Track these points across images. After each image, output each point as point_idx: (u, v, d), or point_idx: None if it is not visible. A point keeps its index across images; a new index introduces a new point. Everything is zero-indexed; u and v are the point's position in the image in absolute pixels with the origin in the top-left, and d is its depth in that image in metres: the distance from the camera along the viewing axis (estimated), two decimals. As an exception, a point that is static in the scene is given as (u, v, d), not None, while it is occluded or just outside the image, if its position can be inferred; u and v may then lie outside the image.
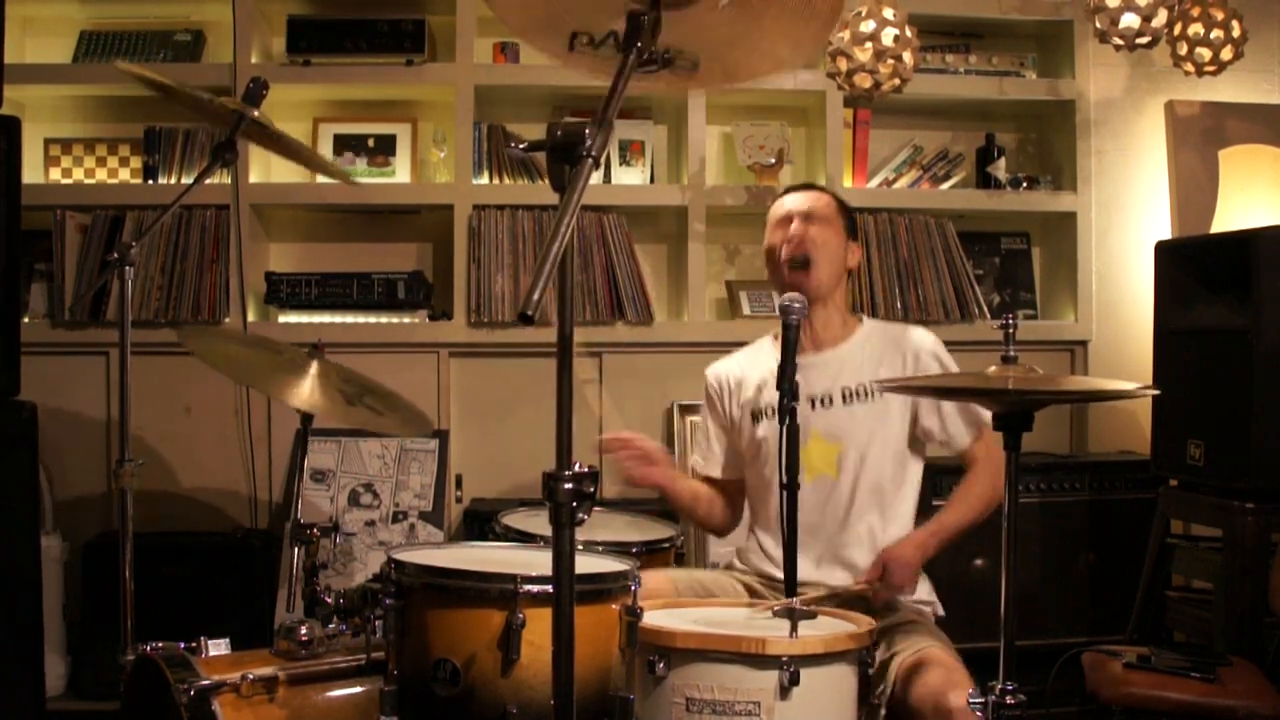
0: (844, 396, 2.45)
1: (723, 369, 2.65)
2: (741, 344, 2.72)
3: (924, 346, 2.50)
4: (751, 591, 2.46)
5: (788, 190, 2.66)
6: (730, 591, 2.45)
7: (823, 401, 2.45)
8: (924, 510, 2.52)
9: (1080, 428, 3.96)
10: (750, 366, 2.60)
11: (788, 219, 2.53)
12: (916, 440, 2.49)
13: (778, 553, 2.40)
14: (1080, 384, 2.54)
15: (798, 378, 2.41)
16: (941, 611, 2.46)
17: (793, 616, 1.90)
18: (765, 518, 2.51)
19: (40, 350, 3.38)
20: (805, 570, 2.27)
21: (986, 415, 2.38)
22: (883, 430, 2.44)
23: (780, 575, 2.16)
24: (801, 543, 2.19)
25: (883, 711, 2.07)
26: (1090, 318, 3.92)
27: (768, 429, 2.45)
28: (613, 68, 1.42)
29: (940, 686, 2.05)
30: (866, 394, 2.44)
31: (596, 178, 2.91)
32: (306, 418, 2.53)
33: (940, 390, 2.29)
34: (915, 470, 2.50)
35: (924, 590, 2.46)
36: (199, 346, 2.67)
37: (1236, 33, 3.48)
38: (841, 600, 2.27)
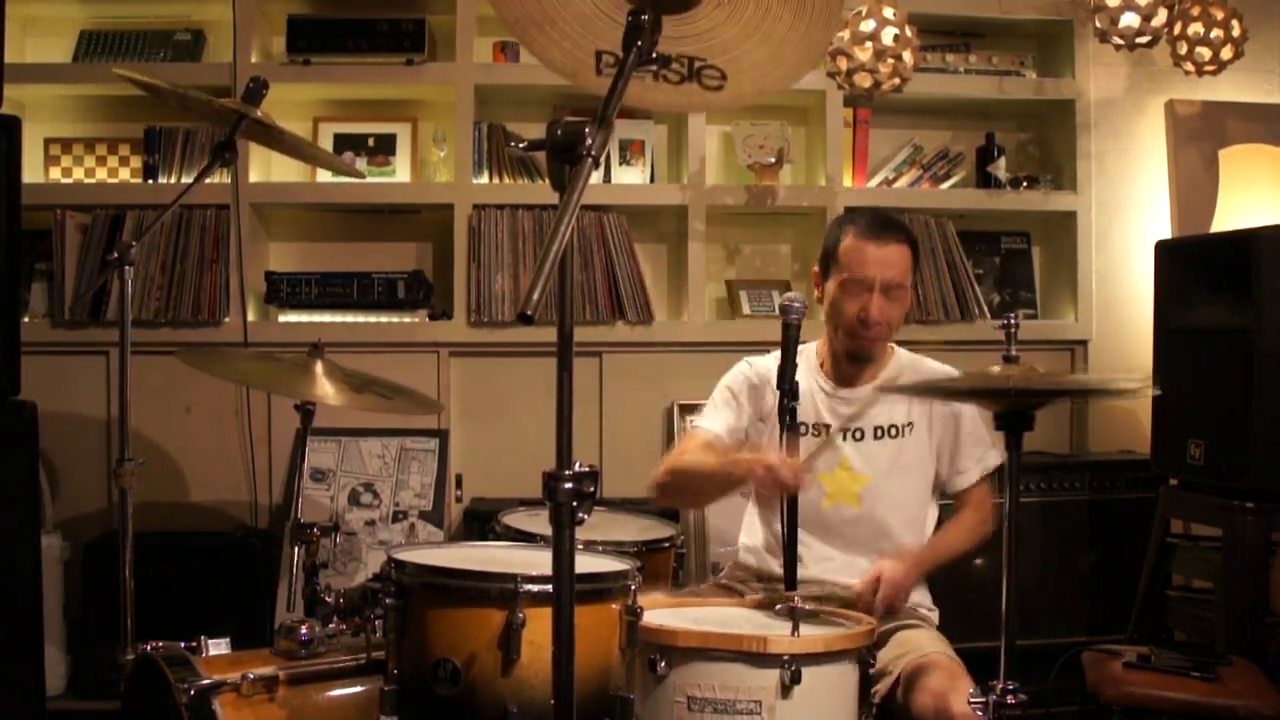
0: (875, 433, 2.43)
1: (763, 366, 2.51)
2: (742, 344, 2.72)
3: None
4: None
5: (868, 230, 2.37)
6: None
7: (855, 435, 2.42)
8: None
9: (1080, 427, 3.96)
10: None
11: (870, 287, 2.34)
12: (939, 480, 2.48)
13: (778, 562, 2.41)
14: (1083, 383, 2.54)
15: (837, 409, 2.43)
16: (937, 620, 2.46)
17: (794, 615, 1.90)
18: (772, 529, 2.48)
19: (40, 350, 3.38)
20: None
21: (994, 461, 2.45)
22: (908, 468, 2.43)
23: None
24: (816, 559, 2.22)
25: (874, 711, 2.07)
26: (1090, 317, 3.92)
27: (805, 445, 2.33)
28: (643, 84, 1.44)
29: (943, 691, 2.05)
30: (898, 432, 2.42)
31: (596, 177, 2.93)
32: (307, 416, 2.53)
33: (943, 391, 2.29)
34: (932, 512, 2.49)
35: (925, 598, 2.46)
36: (199, 364, 2.67)
37: (1236, 32, 3.48)
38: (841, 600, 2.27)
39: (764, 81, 1.62)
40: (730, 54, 1.56)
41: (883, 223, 2.41)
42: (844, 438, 2.41)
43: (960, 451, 2.45)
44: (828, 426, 2.41)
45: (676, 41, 1.52)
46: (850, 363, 2.45)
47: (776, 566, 2.46)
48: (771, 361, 2.50)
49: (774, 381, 2.43)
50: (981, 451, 2.46)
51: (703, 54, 1.55)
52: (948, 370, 2.49)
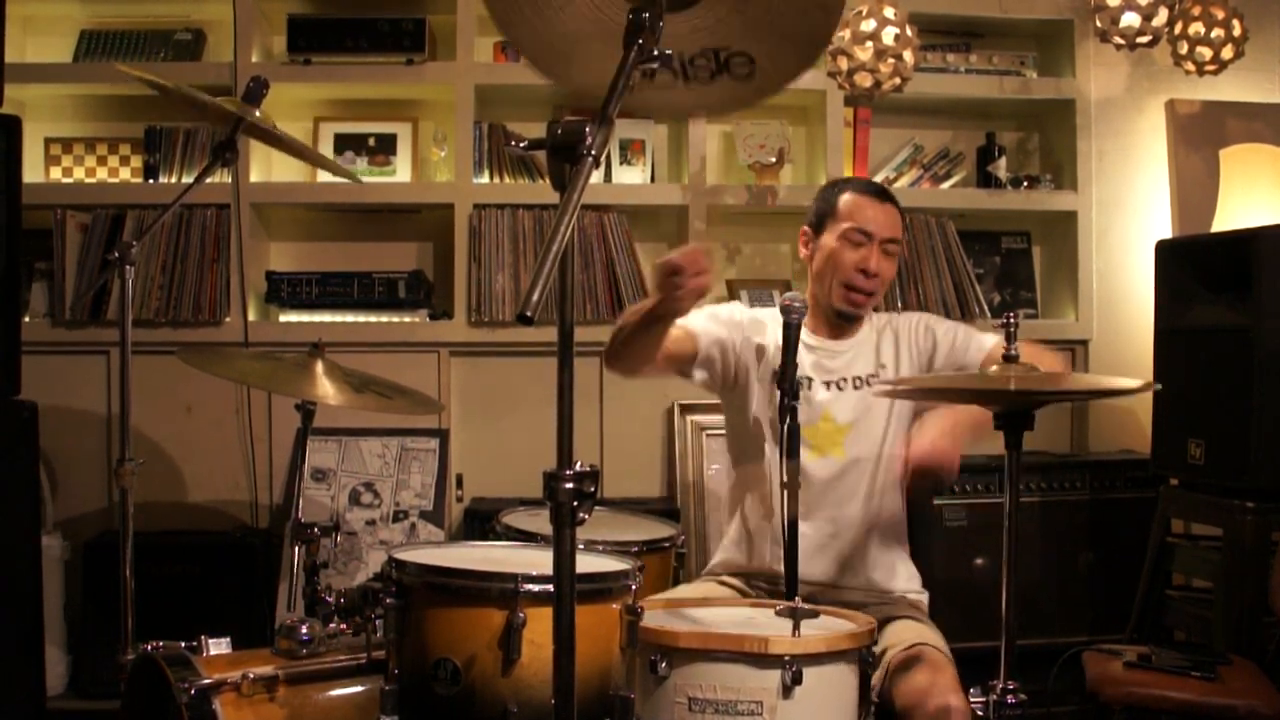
0: (855, 383, 2.48)
1: (754, 315, 2.54)
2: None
3: (922, 321, 2.54)
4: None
5: (867, 188, 2.50)
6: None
7: (838, 385, 2.48)
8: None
9: (1080, 427, 3.96)
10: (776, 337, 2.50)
11: (868, 238, 2.42)
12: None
13: (769, 549, 2.42)
14: (1083, 382, 2.53)
15: (821, 362, 2.46)
16: (927, 603, 2.46)
17: (795, 616, 1.90)
18: (760, 512, 2.48)
19: (40, 350, 3.38)
20: (804, 563, 2.27)
21: (990, 339, 2.48)
22: (889, 413, 2.46)
23: (777, 571, 2.16)
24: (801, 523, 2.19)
25: (873, 709, 2.07)
26: (1091, 317, 3.92)
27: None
28: (672, 93, 1.45)
29: (927, 685, 2.06)
30: (875, 377, 2.48)
31: (597, 177, 2.93)
32: (307, 416, 2.53)
33: (945, 390, 2.29)
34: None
35: (914, 582, 2.47)
36: (200, 363, 2.66)
37: (1237, 31, 3.48)
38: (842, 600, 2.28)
39: (789, 60, 1.62)
40: (748, 40, 1.57)
41: (878, 187, 2.55)
42: (826, 389, 2.46)
43: (956, 350, 2.48)
44: (810, 380, 2.44)
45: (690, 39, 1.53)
46: (837, 321, 2.49)
47: (744, 560, 2.48)
48: (763, 314, 2.54)
49: (765, 330, 2.49)
50: (976, 337, 2.50)
51: (724, 44, 1.55)
52: (909, 314, 2.58)
